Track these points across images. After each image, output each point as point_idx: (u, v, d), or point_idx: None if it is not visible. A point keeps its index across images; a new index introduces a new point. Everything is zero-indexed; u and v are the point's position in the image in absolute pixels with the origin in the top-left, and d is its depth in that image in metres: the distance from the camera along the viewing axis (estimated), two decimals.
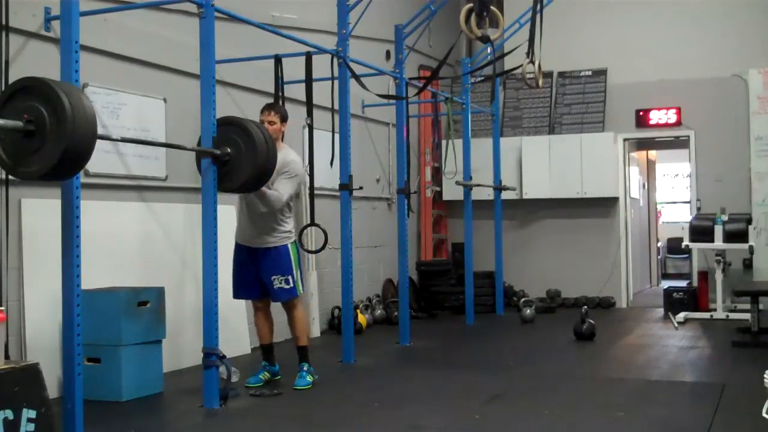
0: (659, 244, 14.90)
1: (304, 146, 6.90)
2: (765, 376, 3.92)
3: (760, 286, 7.91)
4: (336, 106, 6.56)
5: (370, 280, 9.29)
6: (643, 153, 13.26)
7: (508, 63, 9.21)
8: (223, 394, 4.92)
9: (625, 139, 10.62)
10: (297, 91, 6.70)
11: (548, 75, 10.41)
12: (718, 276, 8.90)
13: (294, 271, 5.49)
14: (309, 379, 5.52)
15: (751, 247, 8.74)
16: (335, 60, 6.53)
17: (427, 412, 4.77)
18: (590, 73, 10.70)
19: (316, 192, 6.58)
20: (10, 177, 4.66)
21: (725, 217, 9.02)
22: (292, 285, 5.49)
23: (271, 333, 5.74)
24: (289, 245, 5.52)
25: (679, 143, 10.82)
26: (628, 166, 10.92)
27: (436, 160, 10.29)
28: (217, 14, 5.04)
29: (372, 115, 9.23)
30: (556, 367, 6.38)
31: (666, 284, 11.62)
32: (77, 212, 4.15)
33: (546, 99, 10.79)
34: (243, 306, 6.88)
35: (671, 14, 10.40)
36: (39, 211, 5.12)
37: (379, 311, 8.97)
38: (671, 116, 10.35)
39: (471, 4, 6.44)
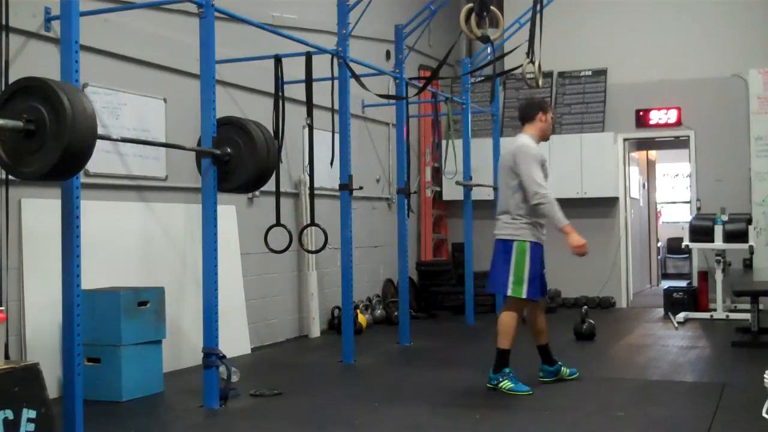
0: (659, 244, 14.90)
1: (304, 146, 6.93)
2: (765, 376, 3.92)
3: (760, 286, 7.90)
4: (336, 106, 6.56)
5: (370, 280, 9.29)
6: (643, 153, 13.26)
7: (508, 63, 9.19)
8: (223, 394, 4.92)
9: (625, 139, 10.62)
10: (297, 91, 6.70)
11: (548, 75, 10.41)
12: (718, 276, 8.89)
13: None
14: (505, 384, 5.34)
15: (751, 247, 8.73)
16: (335, 60, 6.53)
17: (427, 412, 4.77)
18: (590, 73, 10.70)
19: (316, 192, 6.59)
20: (10, 177, 4.66)
21: (725, 217, 9.00)
22: None
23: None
24: None
25: (679, 143, 10.82)
26: (628, 166, 10.92)
27: (436, 160, 10.28)
28: (217, 14, 5.04)
29: (372, 115, 9.22)
30: None
31: (666, 284, 11.62)
32: (77, 212, 4.15)
33: (546, 99, 10.79)
34: (243, 306, 6.88)
35: (671, 14, 10.40)
36: (39, 211, 5.12)
37: (379, 311, 8.97)
38: (671, 116, 10.35)
39: (471, 4, 6.43)
